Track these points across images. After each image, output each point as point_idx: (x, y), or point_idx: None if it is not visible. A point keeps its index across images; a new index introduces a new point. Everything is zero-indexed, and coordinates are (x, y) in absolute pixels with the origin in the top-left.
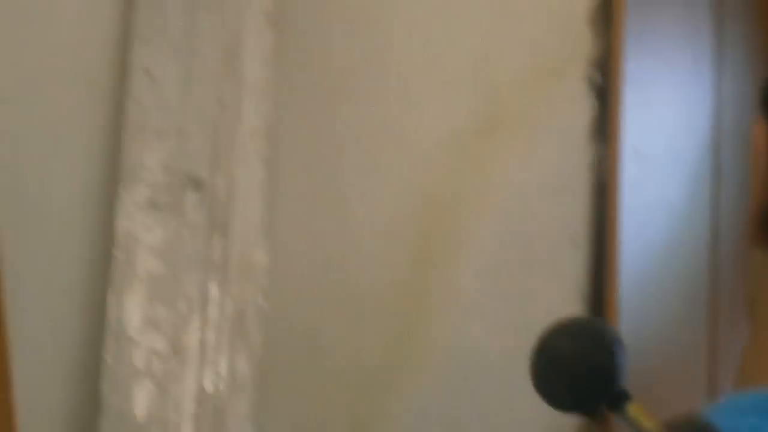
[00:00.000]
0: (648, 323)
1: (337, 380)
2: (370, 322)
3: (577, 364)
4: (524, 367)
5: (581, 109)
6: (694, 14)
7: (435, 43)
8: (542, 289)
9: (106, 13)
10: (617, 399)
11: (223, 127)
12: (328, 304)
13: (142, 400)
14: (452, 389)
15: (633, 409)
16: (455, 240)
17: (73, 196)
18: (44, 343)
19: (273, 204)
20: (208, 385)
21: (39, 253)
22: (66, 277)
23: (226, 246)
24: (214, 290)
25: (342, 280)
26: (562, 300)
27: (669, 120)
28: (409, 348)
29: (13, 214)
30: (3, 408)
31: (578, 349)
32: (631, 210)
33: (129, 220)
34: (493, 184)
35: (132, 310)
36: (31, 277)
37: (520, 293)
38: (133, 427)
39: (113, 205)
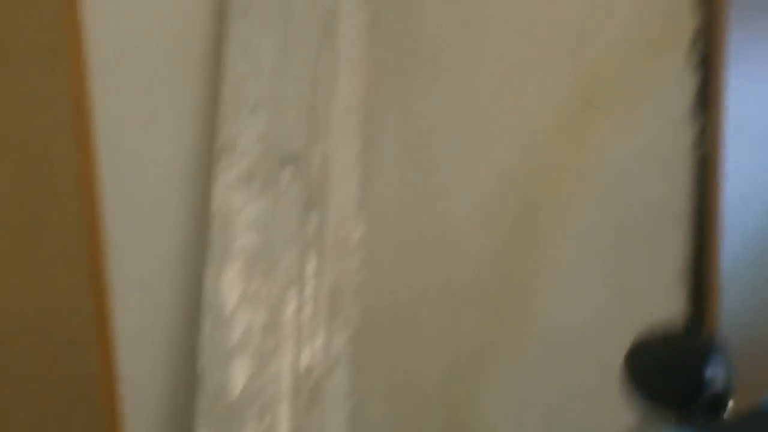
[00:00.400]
0: (751, 302)
1: (432, 359)
2: (466, 299)
3: (667, 372)
4: (623, 348)
5: (683, 83)
6: None
7: (532, 15)
8: (642, 267)
9: None
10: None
11: (318, 102)
12: (424, 281)
13: (239, 375)
14: (549, 371)
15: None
16: (554, 216)
17: (170, 171)
18: (143, 319)
19: (368, 179)
20: (305, 361)
21: (137, 228)
22: (163, 252)
23: (321, 221)
24: (310, 266)
25: (438, 255)
26: (663, 277)
27: None
28: (505, 327)
29: (113, 190)
30: (107, 381)
31: (670, 359)
32: (734, 185)
33: (225, 195)
34: (594, 159)
35: (229, 285)
36: (129, 253)
37: (619, 271)
38: (230, 403)
39: (210, 180)
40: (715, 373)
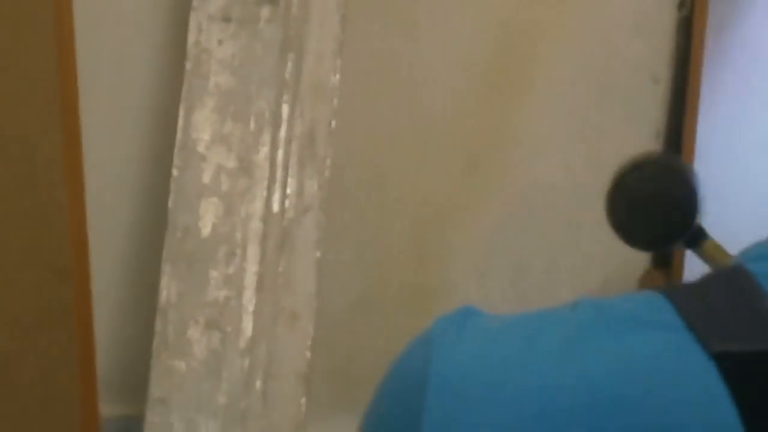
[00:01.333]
0: (724, 162)
1: (403, 209)
2: (439, 151)
3: (656, 201)
4: (595, 205)
5: None
6: None
7: None
8: (618, 126)
9: None
10: (695, 236)
11: None
12: (397, 131)
13: (208, 216)
14: (520, 226)
15: (710, 245)
16: (531, 72)
17: (144, 6)
18: (113, 157)
19: (346, 25)
20: (276, 204)
21: (109, 59)
22: (135, 88)
23: (298, 64)
24: (285, 108)
25: (412, 106)
26: (639, 137)
27: None
28: (477, 181)
29: (83, 20)
30: (74, 216)
31: (656, 187)
32: (715, 48)
33: (201, 32)
34: (573, 16)
35: (201, 124)
36: (101, 89)
37: (595, 129)
38: (199, 243)
39: (185, 17)
40: (698, 198)
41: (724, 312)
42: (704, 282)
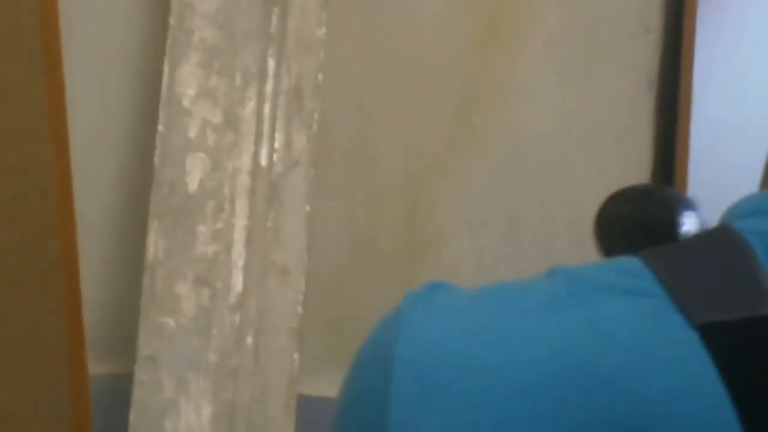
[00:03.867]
0: (719, 112)
1: (393, 162)
2: (428, 103)
3: (634, 229)
4: (589, 156)
5: None
6: None
7: None
8: (611, 76)
9: None
10: None
11: None
12: (385, 84)
13: (195, 171)
14: (511, 176)
15: None
16: (520, 20)
17: None
18: (98, 112)
19: None
20: (264, 159)
21: (93, 19)
22: (118, 43)
23: (283, 18)
24: (271, 62)
25: (401, 59)
26: (631, 87)
27: None
28: (467, 132)
29: None
30: (59, 171)
31: (633, 214)
32: None
33: None
34: None
35: (186, 79)
36: (85, 45)
37: (587, 79)
38: (186, 199)
39: None
40: (681, 221)
41: (707, 277)
42: (686, 245)
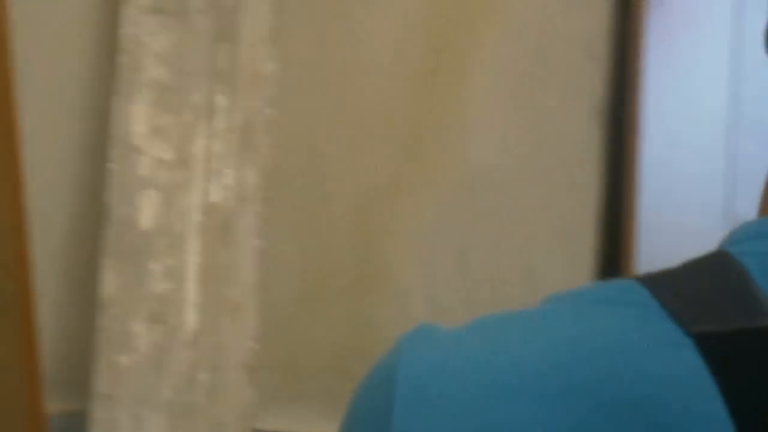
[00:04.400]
0: (670, 139)
1: (344, 196)
2: (378, 138)
3: None
4: (538, 185)
5: None
6: None
7: None
8: (557, 105)
9: None
10: None
11: None
12: (335, 117)
13: (147, 209)
14: (462, 209)
15: None
16: (466, 53)
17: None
18: (49, 152)
19: (280, 13)
20: (215, 196)
21: (44, 62)
22: (70, 83)
23: (233, 54)
24: (221, 99)
25: (349, 93)
26: (578, 115)
27: None
28: (417, 165)
29: (19, 20)
30: (14, 212)
31: None
32: (656, 24)
33: (134, 25)
34: None
35: (137, 118)
36: (36, 87)
37: (534, 109)
38: (138, 236)
39: (118, 10)
40: None
41: (700, 292)
42: (680, 267)
